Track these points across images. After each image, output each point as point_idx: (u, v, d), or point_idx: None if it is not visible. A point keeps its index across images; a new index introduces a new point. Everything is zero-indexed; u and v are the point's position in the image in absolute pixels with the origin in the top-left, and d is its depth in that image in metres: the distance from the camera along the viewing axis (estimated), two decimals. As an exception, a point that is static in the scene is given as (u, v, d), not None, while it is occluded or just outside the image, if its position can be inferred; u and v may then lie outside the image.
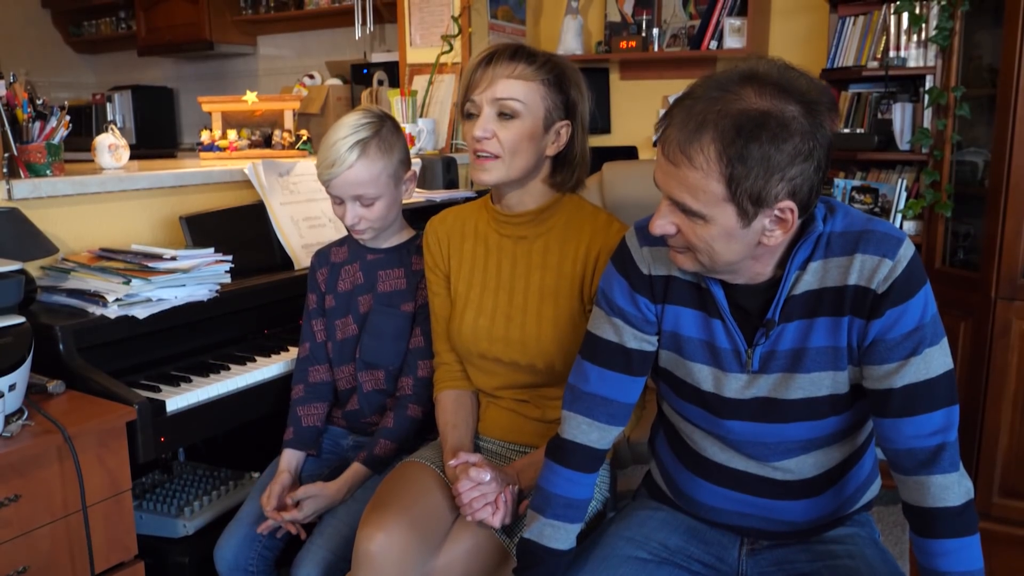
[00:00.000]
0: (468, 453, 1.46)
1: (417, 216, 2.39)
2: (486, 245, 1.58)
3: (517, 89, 1.44)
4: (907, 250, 1.12)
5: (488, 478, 1.39)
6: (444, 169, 2.73)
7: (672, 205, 1.12)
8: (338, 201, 1.65)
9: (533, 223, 1.53)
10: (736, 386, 1.22)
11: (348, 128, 1.59)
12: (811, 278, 1.16)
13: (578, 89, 1.49)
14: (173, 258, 1.78)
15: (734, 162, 1.03)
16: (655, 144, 1.16)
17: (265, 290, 1.98)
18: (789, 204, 1.07)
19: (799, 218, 1.10)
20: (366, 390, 1.74)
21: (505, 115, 1.44)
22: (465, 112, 1.48)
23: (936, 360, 1.13)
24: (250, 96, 2.77)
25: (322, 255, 1.83)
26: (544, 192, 1.53)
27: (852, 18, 2.90)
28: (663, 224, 1.13)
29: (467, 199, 2.51)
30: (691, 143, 1.05)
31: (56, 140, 1.97)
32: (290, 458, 1.72)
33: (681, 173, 1.07)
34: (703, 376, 1.25)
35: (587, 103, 1.51)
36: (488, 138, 1.45)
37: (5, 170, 1.88)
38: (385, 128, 1.63)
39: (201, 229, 2.01)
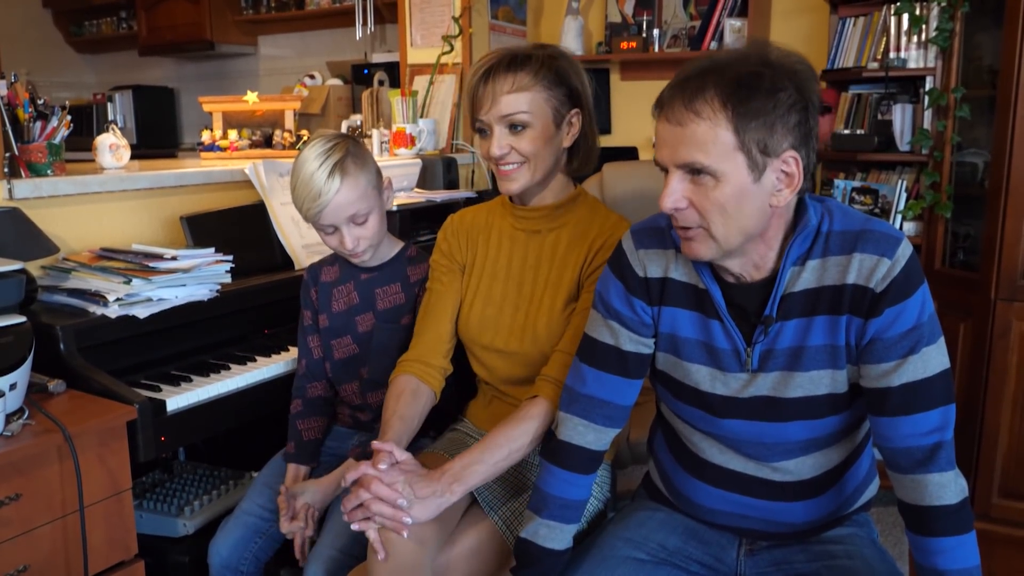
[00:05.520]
0: (400, 450, 1.39)
1: (417, 217, 2.40)
2: (500, 237, 1.60)
3: (521, 102, 1.45)
4: (905, 250, 1.13)
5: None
6: (444, 169, 2.73)
7: (681, 175, 1.12)
8: (330, 230, 1.62)
9: (548, 218, 1.55)
10: (736, 385, 1.23)
11: (317, 158, 1.56)
12: (810, 276, 1.16)
13: (578, 77, 1.50)
14: (174, 258, 1.78)
15: (739, 110, 1.06)
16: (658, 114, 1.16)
17: (265, 290, 1.98)
18: (794, 154, 1.10)
19: (803, 180, 1.12)
20: (374, 408, 1.73)
21: (516, 127, 1.46)
22: (477, 129, 1.50)
23: (933, 359, 1.13)
24: (251, 96, 2.78)
25: (313, 273, 1.81)
26: (563, 184, 1.56)
27: (852, 19, 2.90)
28: (674, 198, 1.12)
29: (468, 200, 2.52)
30: (695, 99, 1.08)
31: (57, 140, 1.97)
32: (295, 472, 1.71)
33: (688, 132, 1.08)
34: (701, 377, 1.25)
35: (589, 86, 1.52)
36: (506, 153, 1.47)
37: (6, 170, 1.88)
38: (351, 144, 1.61)
39: (202, 229, 2.01)
